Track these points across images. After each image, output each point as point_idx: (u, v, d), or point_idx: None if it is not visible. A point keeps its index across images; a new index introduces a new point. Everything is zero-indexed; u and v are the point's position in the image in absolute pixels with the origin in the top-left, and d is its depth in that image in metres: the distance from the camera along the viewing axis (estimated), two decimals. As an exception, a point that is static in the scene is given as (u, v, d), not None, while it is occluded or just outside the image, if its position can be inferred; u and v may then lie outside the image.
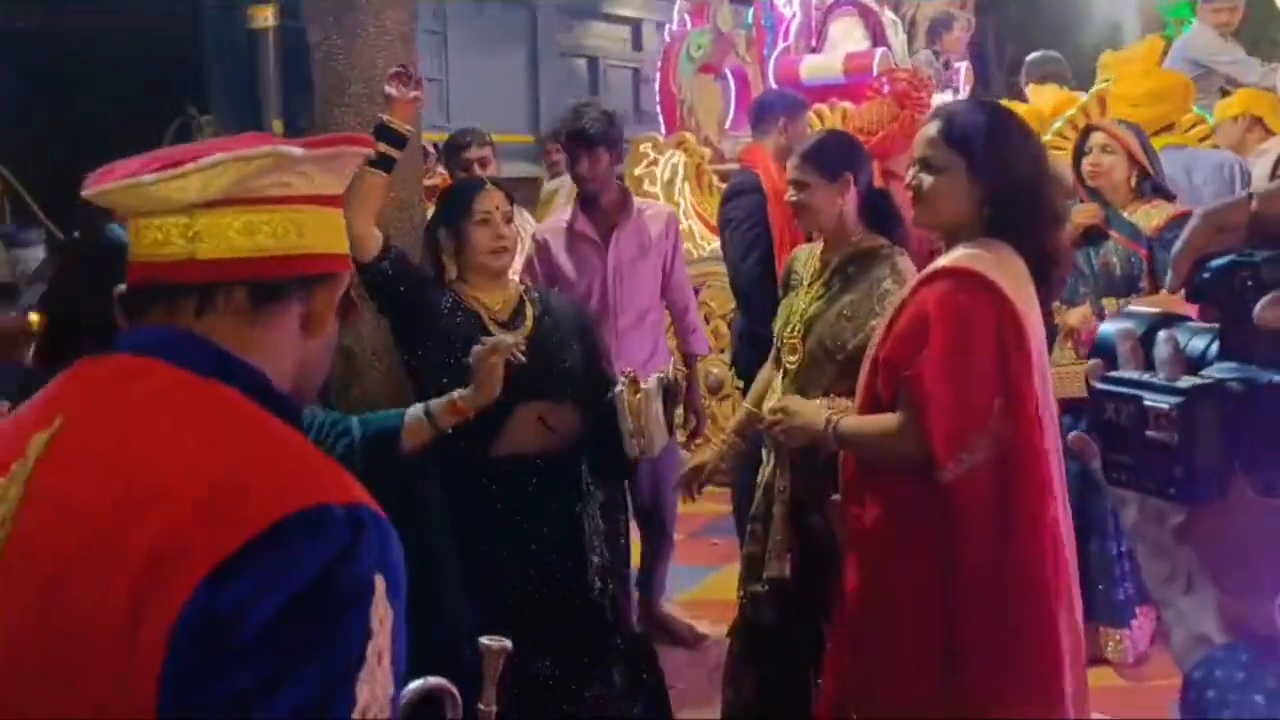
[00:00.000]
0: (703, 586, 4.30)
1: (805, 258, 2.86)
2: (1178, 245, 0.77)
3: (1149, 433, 0.70)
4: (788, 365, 2.75)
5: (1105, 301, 3.29)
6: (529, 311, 2.57)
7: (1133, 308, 0.83)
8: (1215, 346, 0.74)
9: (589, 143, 3.48)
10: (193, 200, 0.96)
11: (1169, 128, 4.23)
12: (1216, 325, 0.75)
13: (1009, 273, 2.07)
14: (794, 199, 2.75)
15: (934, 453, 2.00)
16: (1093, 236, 3.38)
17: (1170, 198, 3.49)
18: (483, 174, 4.05)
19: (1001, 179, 2.09)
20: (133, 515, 0.84)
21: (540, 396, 2.47)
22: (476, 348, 2.22)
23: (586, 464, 2.58)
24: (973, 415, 2.00)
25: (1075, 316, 3.31)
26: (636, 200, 3.80)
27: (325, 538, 0.84)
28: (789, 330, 2.73)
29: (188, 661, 0.79)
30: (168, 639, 0.79)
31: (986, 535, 2.01)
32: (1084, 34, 9.04)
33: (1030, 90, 4.85)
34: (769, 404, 2.81)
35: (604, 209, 3.64)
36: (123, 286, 1.05)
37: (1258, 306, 0.69)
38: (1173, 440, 0.69)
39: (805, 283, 2.77)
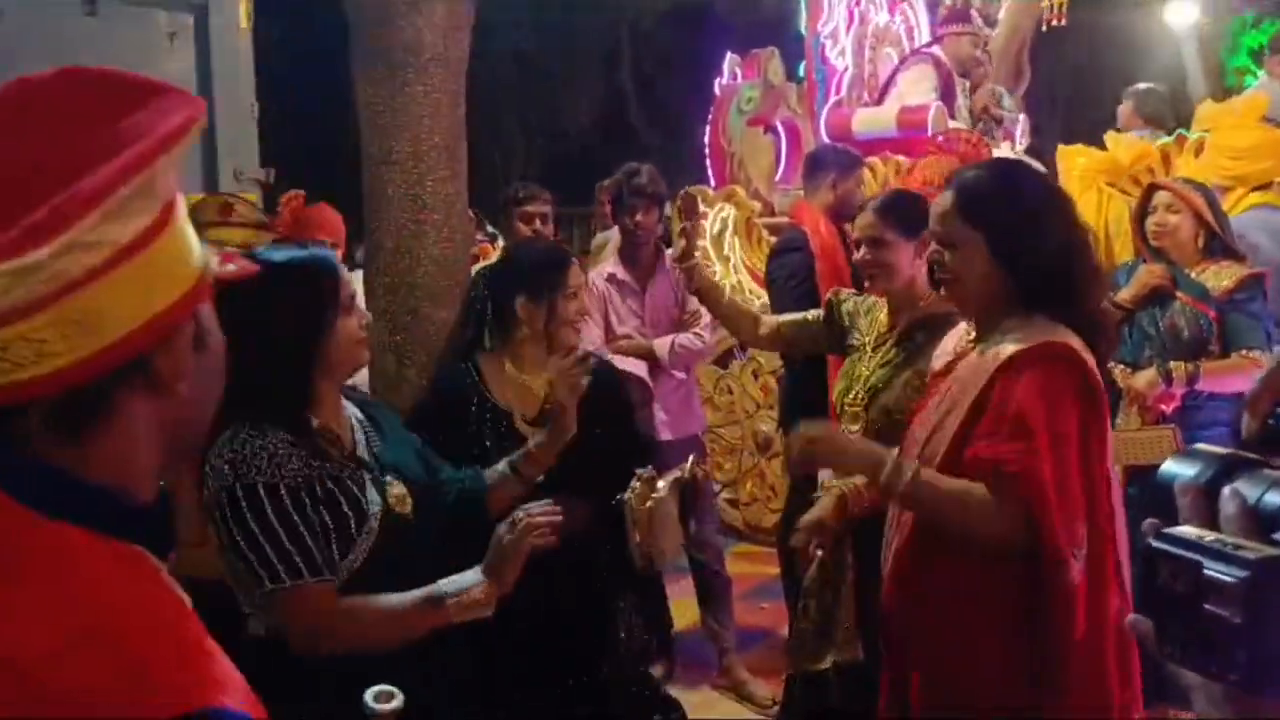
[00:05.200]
0: (755, 654, 4.16)
1: (865, 313, 2.72)
2: (1255, 386, 0.69)
3: (1208, 607, 0.60)
4: (849, 432, 2.63)
5: (1173, 365, 3.15)
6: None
7: (1200, 446, 0.74)
8: None
9: (648, 198, 3.84)
10: None
11: (1267, 185, 4.01)
12: None
13: (1077, 343, 1.95)
14: (867, 257, 2.59)
15: (1057, 549, 1.86)
16: (1159, 297, 3.26)
17: (1240, 258, 3.33)
18: (543, 230, 4.08)
19: (1027, 247, 1.94)
20: None
21: (559, 490, 2.32)
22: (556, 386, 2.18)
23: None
24: (1077, 508, 1.89)
25: (1142, 381, 3.17)
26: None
27: None
28: (851, 396, 2.61)
29: None
30: None
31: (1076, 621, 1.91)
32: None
33: (1110, 138, 4.57)
34: (823, 474, 2.70)
35: (642, 261, 3.97)
36: None
37: None
38: (1236, 619, 0.59)
39: (869, 346, 2.64)
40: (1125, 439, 3.04)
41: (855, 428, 2.58)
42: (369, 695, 1.46)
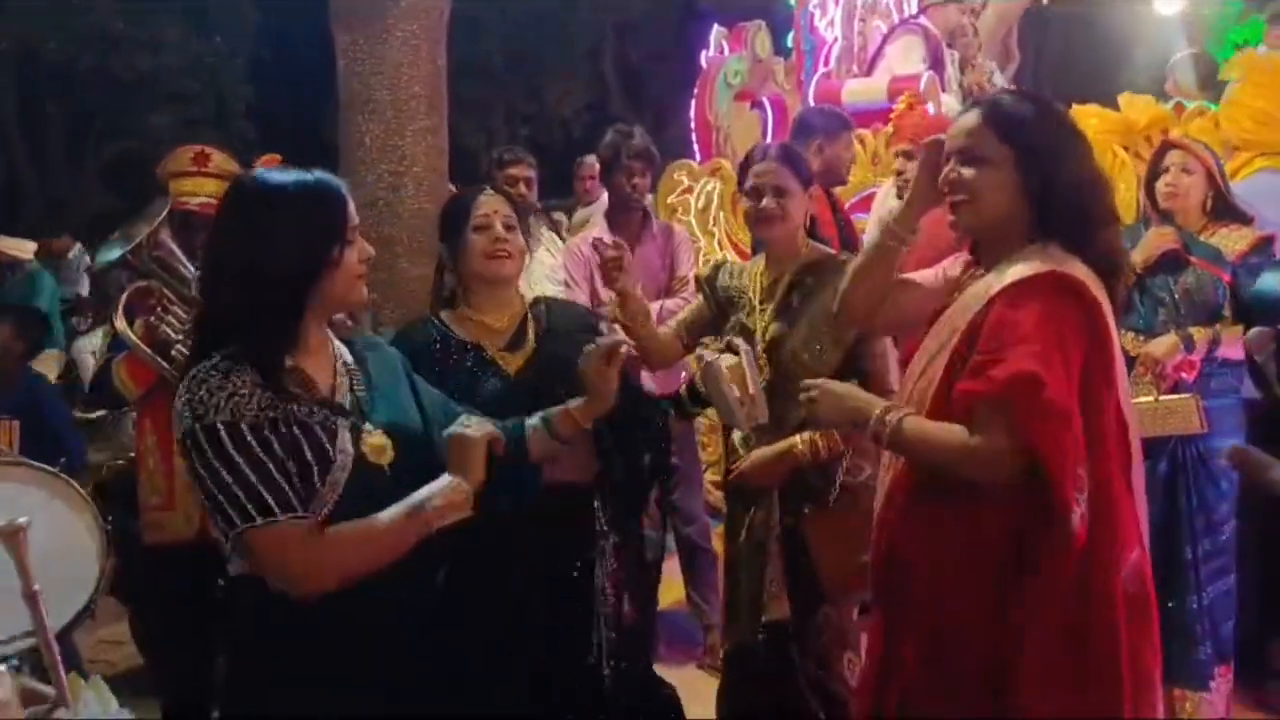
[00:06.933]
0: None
1: (740, 273, 2.77)
2: None
3: None
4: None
5: (1194, 330, 3.04)
6: (530, 331, 2.40)
7: None
8: None
9: (647, 159, 3.80)
10: None
11: (1277, 151, 3.84)
12: None
13: (1089, 278, 1.84)
14: (771, 204, 2.60)
15: (1059, 496, 1.73)
16: (1170, 262, 3.15)
17: (1247, 221, 3.24)
18: (527, 194, 3.96)
19: (1055, 173, 1.85)
20: None
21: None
22: (588, 349, 2.04)
23: (600, 499, 2.38)
24: (1079, 449, 1.75)
25: (1162, 347, 3.05)
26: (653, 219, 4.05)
27: None
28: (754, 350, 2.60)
29: None
30: None
31: (1070, 577, 1.78)
32: (1129, 76, 8.78)
33: (1124, 98, 4.34)
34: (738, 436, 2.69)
35: (630, 225, 3.82)
36: None
37: None
38: None
39: (757, 300, 2.67)
40: (1143, 410, 2.91)
41: (762, 378, 2.57)
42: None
